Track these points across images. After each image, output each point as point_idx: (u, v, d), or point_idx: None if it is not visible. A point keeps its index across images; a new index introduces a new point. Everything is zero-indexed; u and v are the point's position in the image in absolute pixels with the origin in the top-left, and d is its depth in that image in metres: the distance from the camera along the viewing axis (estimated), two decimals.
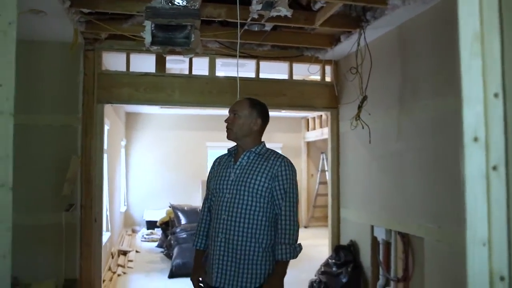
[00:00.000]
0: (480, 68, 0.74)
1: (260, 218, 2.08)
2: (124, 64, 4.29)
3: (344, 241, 4.45)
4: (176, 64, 4.95)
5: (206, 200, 2.33)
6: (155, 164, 8.91)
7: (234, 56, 4.43)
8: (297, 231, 2.10)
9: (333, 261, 4.24)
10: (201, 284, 2.23)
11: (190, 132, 9.06)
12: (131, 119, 8.92)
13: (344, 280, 3.99)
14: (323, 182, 8.89)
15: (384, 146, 3.75)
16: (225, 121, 2.18)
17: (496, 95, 0.74)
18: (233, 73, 4.79)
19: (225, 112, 7.52)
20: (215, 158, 2.39)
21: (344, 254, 4.18)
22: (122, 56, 4.31)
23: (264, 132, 2.25)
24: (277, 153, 2.19)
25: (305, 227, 9.00)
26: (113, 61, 4.54)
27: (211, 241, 2.16)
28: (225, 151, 2.32)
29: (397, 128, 3.57)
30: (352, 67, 3.83)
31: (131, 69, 4.30)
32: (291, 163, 2.15)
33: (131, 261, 6.10)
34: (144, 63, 4.46)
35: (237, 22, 3.11)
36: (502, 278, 0.71)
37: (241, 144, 2.18)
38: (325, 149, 8.70)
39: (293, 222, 2.08)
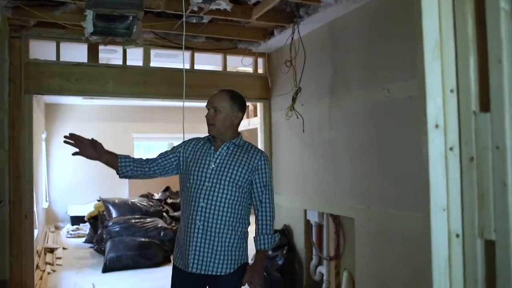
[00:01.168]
0: (439, 68, 0.92)
1: (237, 207, 2.18)
2: (54, 53, 4.10)
3: (278, 226, 4.68)
4: (109, 54, 4.81)
5: (161, 154, 2.37)
6: (78, 157, 8.52)
7: (168, 47, 4.43)
8: (274, 221, 2.28)
9: None
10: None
11: (116, 123, 8.79)
12: (51, 110, 8.44)
13: (280, 262, 4.21)
14: None
15: (316, 135, 4.01)
16: (206, 116, 2.22)
17: (451, 91, 0.92)
18: (165, 64, 4.78)
19: (157, 103, 7.46)
20: (190, 138, 2.41)
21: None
22: (52, 45, 4.11)
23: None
24: (255, 146, 2.30)
25: None
26: (42, 50, 4.30)
27: (186, 228, 2.20)
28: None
29: (329, 117, 3.83)
30: (286, 60, 4.02)
31: (62, 59, 4.11)
32: (268, 157, 2.30)
33: (59, 258, 5.85)
34: (76, 52, 4.29)
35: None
36: (457, 236, 0.90)
37: (222, 137, 2.24)
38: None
39: (272, 213, 2.24)
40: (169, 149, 2.39)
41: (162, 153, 2.37)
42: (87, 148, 2.26)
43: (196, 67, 4.66)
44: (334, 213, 3.80)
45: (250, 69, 5.07)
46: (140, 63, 4.59)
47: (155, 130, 9.03)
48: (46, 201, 8.18)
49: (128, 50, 4.34)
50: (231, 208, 2.17)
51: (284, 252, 4.24)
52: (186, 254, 2.18)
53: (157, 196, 7.27)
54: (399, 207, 3.01)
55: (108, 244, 5.43)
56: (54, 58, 4.12)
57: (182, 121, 2.87)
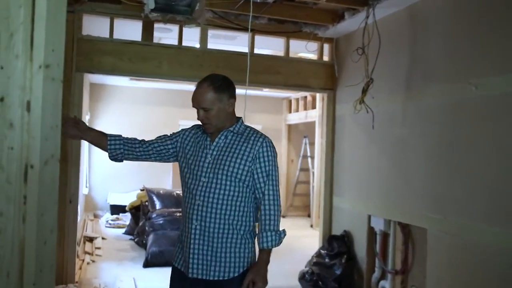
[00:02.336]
0: None
1: (239, 204, 2.09)
2: (107, 30, 4.24)
3: (337, 231, 4.62)
4: (162, 33, 4.92)
5: (159, 137, 2.32)
6: None
7: (227, 27, 4.46)
8: (280, 215, 2.12)
9: (326, 251, 4.41)
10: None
11: (162, 108, 8.99)
12: (96, 90, 8.76)
13: (337, 272, 4.16)
14: (304, 169, 9.06)
15: (387, 131, 3.91)
16: (198, 119, 2.11)
17: None
18: (223, 46, 4.82)
19: None
20: (191, 126, 2.32)
21: (337, 244, 4.35)
22: (105, 21, 4.26)
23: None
24: (257, 131, 2.16)
25: (283, 216, 9.19)
26: (94, 27, 4.46)
27: (184, 227, 2.16)
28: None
29: (402, 113, 3.72)
30: (358, 47, 3.94)
31: (116, 36, 4.25)
32: (272, 143, 2.15)
33: (98, 248, 6.08)
34: (129, 30, 4.42)
35: None
36: None
37: (220, 129, 2.15)
38: (308, 133, 8.87)
39: (277, 207, 2.10)
40: (169, 134, 2.33)
41: (161, 136, 2.32)
42: (68, 126, 2.15)
43: (255, 51, 4.67)
44: (403, 222, 3.70)
45: (314, 56, 5.02)
46: (194, 44, 4.66)
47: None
48: (86, 187, 8.53)
49: (184, 30, 4.41)
50: (231, 205, 2.08)
51: (343, 261, 4.19)
52: (186, 258, 2.13)
53: None
54: (489, 220, 2.88)
55: (151, 238, 5.58)
56: (106, 35, 4.26)
57: (243, 111, 2.87)
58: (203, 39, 4.47)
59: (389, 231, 3.89)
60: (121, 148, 2.22)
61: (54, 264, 1.20)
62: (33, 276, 1.12)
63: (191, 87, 9.21)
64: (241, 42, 4.94)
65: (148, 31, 4.33)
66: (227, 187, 2.07)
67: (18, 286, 1.13)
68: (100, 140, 2.21)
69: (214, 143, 2.12)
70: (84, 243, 6.18)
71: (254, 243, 2.18)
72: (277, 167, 2.14)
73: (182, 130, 2.28)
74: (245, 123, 2.22)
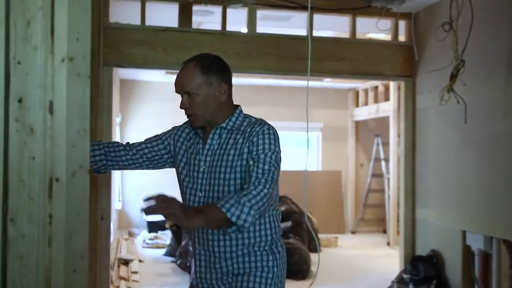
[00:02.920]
0: None
1: None
2: (138, 16, 4.31)
3: (422, 250, 4.48)
4: (203, 17, 4.96)
5: (148, 139, 2.24)
6: None
7: (279, 6, 4.44)
8: (260, 202, 1.89)
9: (409, 276, 4.29)
10: None
11: None
12: (127, 88, 8.98)
13: None
14: (377, 175, 8.89)
15: (484, 126, 3.75)
16: (181, 107, 2.03)
17: None
18: (275, 30, 4.80)
19: (259, 81, 7.58)
20: (181, 124, 2.23)
21: (423, 267, 4.23)
22: (135, 5, 4.33)
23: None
24: (256, 120, 2.06)
25: (352, 232, 9.05)
26: (123, 13, 4.56)
27: (192, 248, 2.14)
28: None
29: (505, 102, 3.56)
30: (445, 22, 3.81)
31: (147, 23, 4.32)
32: (273, 130, 2.03)
33: (135, 272, 6.21)
34: (163, 15, 4.48)
35: None
36: None
37: (212, 124, 2.06)
38: (381, 131, 8.70)
39: (260, 189, 1.90)
40: (160, 134, 2.25)
41: (150, 138, 2.24)
42: None
43: (314, 34, 4.62)
44: (508, 239, 3.53)
45: (387, 36, 4.90)
46: (240, 28, 4.66)
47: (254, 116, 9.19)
48: (119, 201, 8.75)
49: (228, 12, 4.42)
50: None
51: (432, 287, 4.06)
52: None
53: None
54: None
55: None
56: (137, 22, 4.33)
57: (305, 105, 2.83)
58: (251, 21, 4.46)
59: (491, 251, 3.73)
60: (103, 159, 2.18)
61: None
62: None
63: (239, 80, 9.26)
64: (297, 24, 4.91)
65: (185, 15, 4.37)
66: None
67: None
68: None
69: (207, 146, 2.05)
70: (119, 266, 6.33)
71: (280, 258, 2.08)
72: (276, 154, 1.99)
73: (173, 128, 2.22)
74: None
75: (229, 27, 4.46)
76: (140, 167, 2.25)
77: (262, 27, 4.74)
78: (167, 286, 5.71)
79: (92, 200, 4.24)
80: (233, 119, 2.06)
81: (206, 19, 5.00)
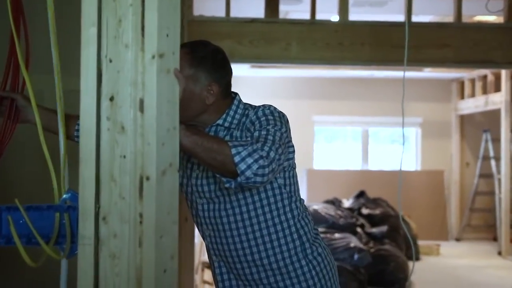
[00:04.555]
0: None
1: (263, 219, 1.82)
2: (223, 8, 4.41)
3: None
4: (290, 6, 5.00)
5: None
6: None
7: None
8: (268, 159, 1.60)
9: None
10: None
11: (290, 101, 9.11)
12: None
13: None
14: (485, 175, 8.57)
15: None
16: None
17: None
18: (369, 16, 4.74)
19: (352, 73, 7.53)
20: None
21: None
22: None
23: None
24: (256, 106, 1.87)
25: (457, 239, 8.77)
26: (207, 5, 4.69)
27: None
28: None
29: None
30: None
31: (232, 14, 4.41)
32: (274, 107, 1.84)
33: None
34: (249, 6, 4.55)
35: None
36: None
37: (197, 123, 1.85)
38: (490, 126, 8.36)
39: (261, 147, 1.61)
40: None
41: None
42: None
43: (413, 19, 4.52)
44: None
45: (498, 19, 4.71)
46: (331, 16, 4.64)
47: (344, 112, 9.13)
48: None
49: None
50: (252, 225, 1.83)
51: None
52: None
53: (347, 203, 7.36)
54: None
55: None
56: (222, 14, 4.43)
57: (401, 99, 2.78)
58: (343, 8, 4.43)
59: None
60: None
61: None
62: None
63: (327, 73, 9.22)
64: (393, 9, 4.83)
65: (272, 4, 4.41)
66: (238, 204, 1.82)
67: None
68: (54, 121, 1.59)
69: None
70: (203, 270, 6.49)
71: (323, 268, 1.87)
72: (280, 132, 1.72)
73: None
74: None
75: (319, 16, 4.46)
76: None
77: (355, 15, 4.70)
78: None
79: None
80: (231, 113, 1.87)
81: (294, 7, 5.03)
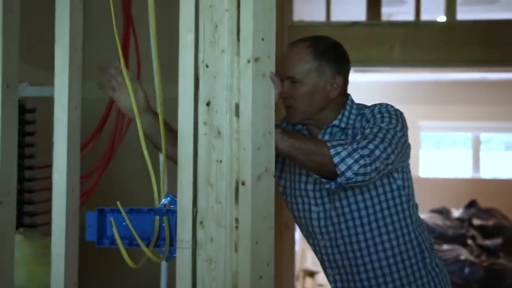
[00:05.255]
0: None
1: (384, 230, 1.74)
2: (323, 12, 4.40)
3: None
4: (393, 7, 4.90)
5: None
6: None
7: None
8: (372, 155, 1.55)
9: None
10: None
11: (395, 106, 8.95)
12: None
13: None
14: None
15: None
16: (280, 95, 1.59)
17: None
18: (479, 15, 4.55)
19: (460, 76, 7.26)
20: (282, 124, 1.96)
21: None
22: (320, 1, 4.43)
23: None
24: (372, 105, 1.78)
25: None
26: (307, 9, 4.70)
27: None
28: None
29: None
30: None
31: (332, 18, 4.39)
32: (392, 106, 1.74)
33: (321, 286, 6.31)
34: (349, 8, 4.51)
35: None
36: None
37: (315, 122, 1.80)
38: None
39: (373, 142, 1.57)
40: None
41: None
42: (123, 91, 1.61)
43: None
44: None
45: None
46: (437, 17, 4.51)
47: (453, 116, 8.80)
48: None
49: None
50: (372, 230, 1.74)
51: None
52: None
53: (457, 213, 7.07)
54: None
55: None
56: (322, 18, 4.43)
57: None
58: (451, 8, 4.28)
59: None
60: None
61: None
62: None
63: (434, 76, 8.93)
64: (506, 6, 4.60)
65: (374, 6, 4.35)
66: (356, 208, 1.75)
67: None
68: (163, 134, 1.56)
69: None
70: (304, 278, 6.49)
71: (441, 280, 1.81)
72: (394, 132, 1.64)
73: None
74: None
75: (424, 17, 4.34)
76: None
77: (464, 14, 4.52)
78: None
79: (276, 207, 4.41)
80: (346, 113, 1.79)
81: (397, 9, 4.93)
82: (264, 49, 1.26)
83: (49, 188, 1.43)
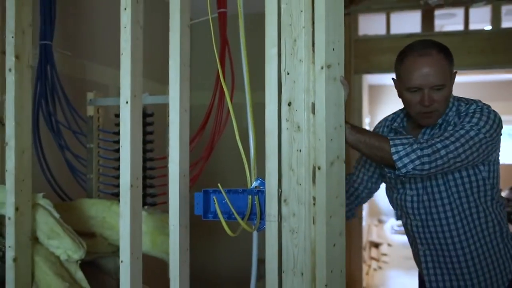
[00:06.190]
0: None
1: (471, 212, 1.65)
2: (383, 27, 4.28)
3: None
4: (444, 20, 4.69)
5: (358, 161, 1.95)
6: None
7: None
8: (433, 156, 1.46)
9: None
10: None
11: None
12: (374, 92, 8.98)
13: None
14: None
15: None
16: (427, 105, 1.58)
17: None
18: None
19: (507, 76, 6.79)
20: (380, 125, 1.91)
21: None
22: (381, 18, 4.31)
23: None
24: (470, 101, 1.64)
25: None
26: (370, 25, 4.59)
27: (412, 246, 1.85)
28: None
29: None
30: None
31: (392, 31, 4.26)
32: (488, 107, 1.59)
33: (384, 254, 6.18)
34: (407, 23, 4.36)
35: None
36: None
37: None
38: None
39: (440, 143, 1.48)
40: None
41: (358, 161, 1.95)
42: None
43: None
44: None
45: None
46: (483, 26, 4.28)
47: (504, 112, 8.33)
48: None
49: (470, 11, 4.09)
50: (458, 209, 1.66)
51: None
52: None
53: (503, 194, 6.70)
54: None
55: None
56: (383, 32, 4.30)
57: None
58: (496, 17, 4.05)
59: None
60: (351, 210, 1.95)
61: (344, 267, 1.25)
62: (325, 277, 1.19)
63: (481, 77, 8.45)
64: None
65: (428, 19, 4.18)
66: (446, 195, 1.67)
67: (311, 285, 1.21)
68: None
69: None
70: (370, 248, 6.37)
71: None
72: (479, 128, 1.52)
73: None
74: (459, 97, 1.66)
75: (472, 26, 4.13)
76: (364, 200, 2.00)
77: (508, 22, 4.26)
78: (414, 269, 5.53)
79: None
80: (447, 111, 1.67)
81: (448, 21, 4.71)
82: (335, 57, 1.25)
83: (165, 175, 1.49)
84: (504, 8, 4.11)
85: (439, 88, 1.58)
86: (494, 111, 1.60)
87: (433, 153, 1.47)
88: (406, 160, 1.45)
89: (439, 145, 1.48)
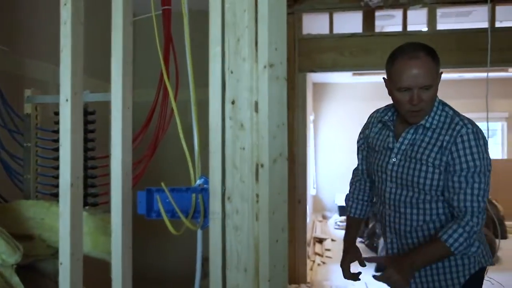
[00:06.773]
0: None
1: (435, 208, 1.80)
2: (327, 27, 4.38)
3: None
4: (384, 21, 4.85)
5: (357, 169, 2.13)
6: (348, 141, 9.00)
7: (459, 3, 4.14)
8: (474, 235, 1.68)
9: None
10: (355, 272, 1.99)
11: (387, 102, 8.87)
12: (318, 90, 9.14)
13: None
14: None
15: None
16: (415, 103, 1.68)
17: None
18: (455, 25, 4.48)
19: (446, 76, 7.16)
20: (372, 115, 2.02)
21: None
22: (324, 18, 4.41)
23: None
24: (461, 118, 1.74)
25: None
26: (313, 25, 4.68)
27: (384, 237, 2.01)
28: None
29: None
30: None
31: (335, 31, 4.37)
32: (480, 132, 1.71)
33: (328, 250, 6.33)
34: (348, 23, 4.48)
35: None
36: None
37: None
38: None
39: (476, 222, 1.66)
40: (358, 145, 2.09)
41: (361, 156, 2.10)
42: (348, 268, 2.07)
43: (498, 25, 4.21)
44: None
45: None
46: (420, 27, 4.46)
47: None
48: (314, 187, 8.97)
49: (408, 13, 4.26)
50: (429, 214, 1.81)
51: None
52: None
53: None
54: None
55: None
56: (326, 31, 4.41)
57: (485, 97, 2.61)
58: (431, 20, 4.24)
59: None
60: (363, 209, 2.10)
61: (287, 262, 1.28)
62: (268, 272, 1.21)
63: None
64: (477, 17, 4.52)
65: (369, 20, 4.32)
66: (416, 195, 1.81)
67: (255, 281, 1.23)
68: (360, 227, 2.17)
69: (400, 139, 1.81)
70: (314, 244, 6.51)
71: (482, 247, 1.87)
72: (486, 162, 1.69)
73: (362, 133, 2.06)
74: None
75: (410, 28, 4.30)
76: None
77: (442, 25, 4.47)
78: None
79: (290, 186, 4.44)
80: (432, 114, 1.76)
81: (388, 22, 4.88)
82: (277, 57, 1.27)
83: (107, 174, 1.47)
84: (439, 11, 4.32)
85: (427, 88, 1.68)
86: (482, 132, 1.73)
87: (471, 230, 1.67)
88: (456, 244, 1.66)
89: (471, 223, 1.67)
